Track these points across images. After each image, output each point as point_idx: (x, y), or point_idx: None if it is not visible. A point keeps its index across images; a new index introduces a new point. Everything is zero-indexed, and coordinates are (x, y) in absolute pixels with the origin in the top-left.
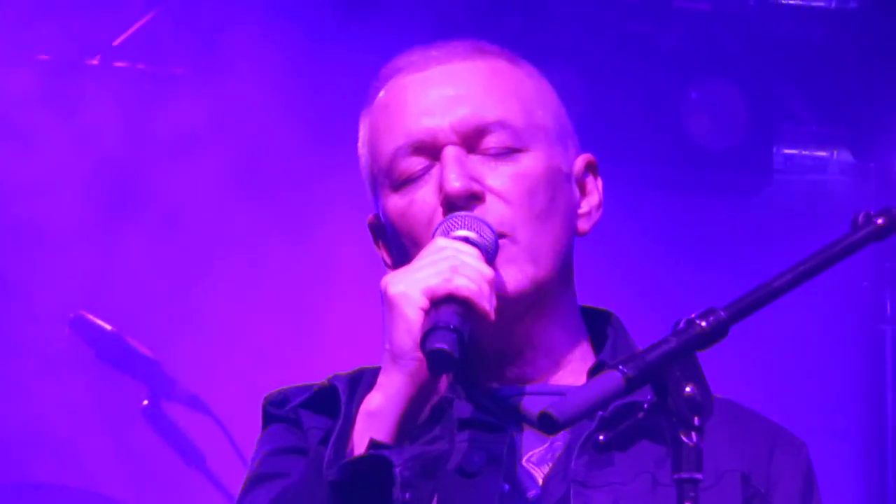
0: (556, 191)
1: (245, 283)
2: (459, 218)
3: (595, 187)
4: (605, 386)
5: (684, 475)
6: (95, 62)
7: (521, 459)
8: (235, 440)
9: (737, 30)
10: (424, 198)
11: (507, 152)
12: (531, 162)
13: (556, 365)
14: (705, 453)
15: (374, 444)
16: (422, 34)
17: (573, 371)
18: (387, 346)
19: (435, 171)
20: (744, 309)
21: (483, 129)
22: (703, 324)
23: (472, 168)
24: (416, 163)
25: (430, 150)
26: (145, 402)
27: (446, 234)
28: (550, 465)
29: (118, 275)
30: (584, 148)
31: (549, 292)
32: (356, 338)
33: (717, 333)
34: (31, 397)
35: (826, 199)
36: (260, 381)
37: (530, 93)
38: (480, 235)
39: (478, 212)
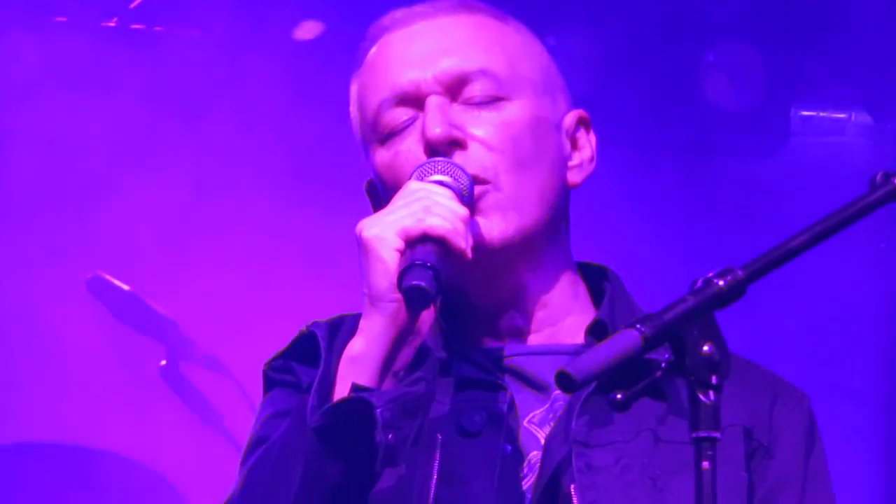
0: (542, 140)
1: (264, 243)
2: (434, 163)
3: (587, 142)
4: (623, 345)
5: (702, 433)
6: (112, 24)
7: (522, 420)
8: (252, 400)
9: None
10: (409, 148)
11: (491, 101)
12: (515, 110)
13: (552, 319)
14: None
15: (355, 388)
16: None
17: (571, 326)
18: (365, 291)
19: (420, 122)
20: (761, 268)
21: (466, 78)
22: (721, 283)
23: (454, 116)
24: (400, 114)
25: (414, 102)
26: (163, 363)
27: (421, 179)
28: (552, 425)
29: (135, 235)
30: (600, 110)
31: (538, 241)
32: None
33: (734, 293)
34: (49, 358)
35: (844, 160)
36: (277, 341)
37: (516, 45)
38: (455, 179)
39: (459, 158)
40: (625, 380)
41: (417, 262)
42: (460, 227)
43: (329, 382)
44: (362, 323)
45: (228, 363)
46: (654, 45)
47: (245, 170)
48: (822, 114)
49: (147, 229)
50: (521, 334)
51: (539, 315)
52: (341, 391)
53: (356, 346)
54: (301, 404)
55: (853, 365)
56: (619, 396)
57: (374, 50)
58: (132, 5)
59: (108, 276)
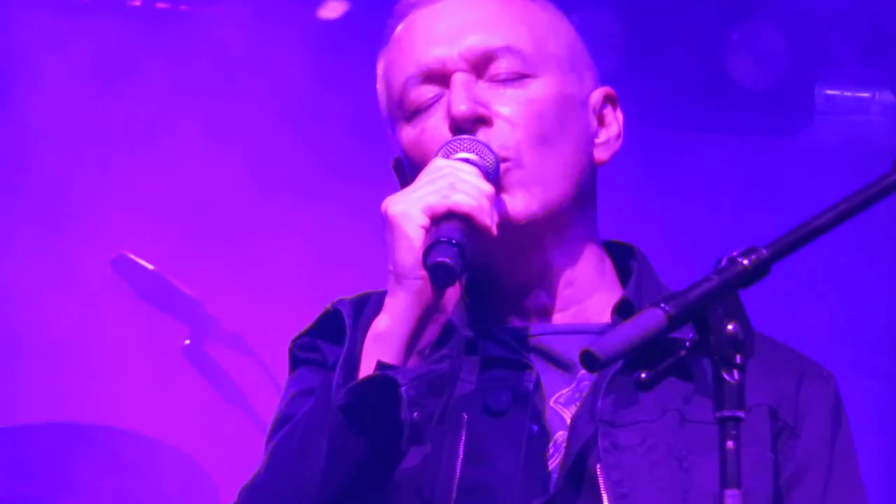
0: (567, 117)
1: (288, 222)
2: (460, 140)
3: (614, 119)
4: (647, 324)
5: (726, 413)
6: (138, 3)
7: (548, 400)
8: (277, 379)
9: None
10: (435, 125)
11: (516, 77)
12: (540, 87)
13: (578, 297)
14: None
15: (379, 365)
16: None
17: (597, 304)
18: (390, 268)
19: (445, 99)
20: (785, 247)
21: (491, 55)
22: (745, 262)
23: (479, 93)
24: (426, 91)
25: (440, 79)
26: (187, 342)
27: (447, 157)
28: (577, 405)
29: (160, 214)
30: (622, 88)
31: (563, 218)
32: None
33: (758, 271)
34: (74, 337)
35: (868, 140)
36: (301, 320)
37: (542, 22)
38: (480, 157)
39: (483, 135)
40: (650, 359)
41: (443, 239)
42: (486, 203)
43: (354, 360)
44: (387, 300)
45: (253, 342)
46: (678, 24)
47: (269, 150)
48: (846, 93)
49: (171, 209)
50: (547, 312)
51: (565, 293)
52: (366, 369)
53: (381, 323)
54: (326, 382)
55: (879, 344)
56: (643, 375)
57: (400, 27)
58: None
59: (132, 256)
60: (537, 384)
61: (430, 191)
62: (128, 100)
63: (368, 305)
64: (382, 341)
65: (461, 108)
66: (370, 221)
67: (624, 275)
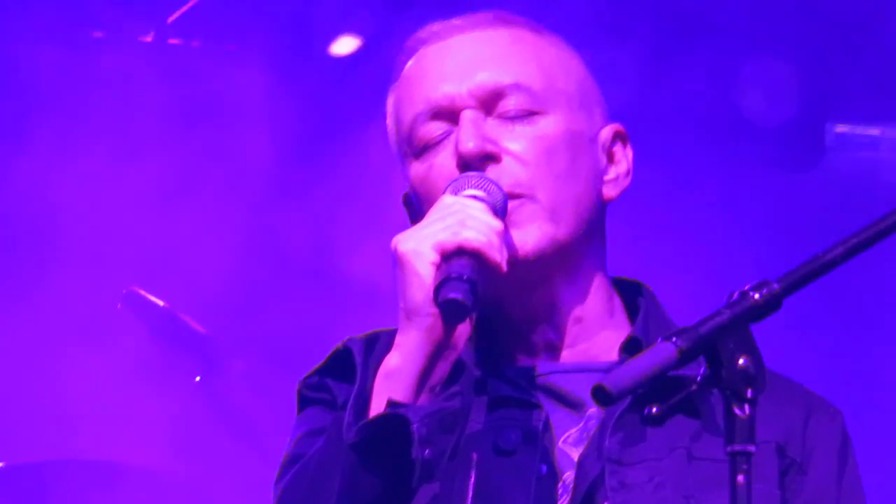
0: (578, 154)
1: (301, 260)
2: (468, 177)
3: (624, 156)
4: (659, 358)
5: (737, 447)
6: (149, 39)
7: (558, 440)
8: (288, 417)
9: (791, 6)
10: (443, 162)
11: (525, 115)
12: (550, 124)
13: (586, 334)
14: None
15: (390, 404)
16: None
17: (605, 341)
18: (401, 305)
19: (454, 135)
20: (797, 281)
21: (500, 92)
22: (757, 296)
23: (488, 130)
24: (435, 128)
25: (449, 116)
26: (198, 379)
27: (455, 193)
28: (585, 444)
29: (172, 251)
30: (635, 124)
31: (572, 254)
32: None
33: (770, 305)
34: (85, 374)
35: (878, 176)
36: (313, 357)
37: (552, 59)
38: (489, 194)
39: (493, 172)
40: (658, 397)
41: (453, 276)
42: (495, 240)
43: (365, 398)
44: (398, 338)
45: (264, 379)
46: (690, 60)
47: (283, 185)
48: (856, 129)
49: (184, 245)
50: (555, 349)
51: (574, 330)
52: (377, 407)
53: (392, 361)
54: (337, 420)
55: (889, 381)
56: (654, 410)
57: (410, 63)
58: (170, 20)
59: (143, 292)
60: (546, 424)
61: (440, 227)
62: (139, 134)
63: (378, 343)
64: (393, 379)
65: (469, 145)
66: (381, 258)
67: (633, 311)
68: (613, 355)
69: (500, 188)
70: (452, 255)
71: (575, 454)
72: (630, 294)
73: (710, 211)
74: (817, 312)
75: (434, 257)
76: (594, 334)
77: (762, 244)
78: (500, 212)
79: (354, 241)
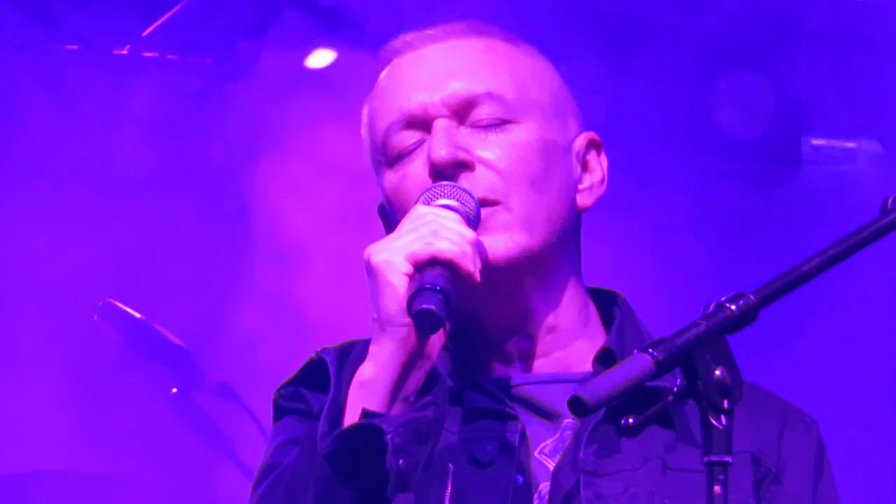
0: (551, 163)
1: (276, 272)
2: (441, 187)
3: (598, 164)
4: (635, 369)
5: (714, 458)
6: (125, 52)
7: (534, 451)
8: (264, 428)
9: (765, 20)
10: (416, 171)
11: (498, 123)
12: (523, 133)
13: (561, 343)
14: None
15: (365, 413)
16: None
17: (580, 351)
18: (374, 316)
19: (426, 145)
20: (773, 293)
21: (473, 101)
22: (733, 307)
23: (461, 139)
24: (408, 137)
25: (422, 125)
26: (174, 391)
27: (428, 203)
28: (560, 455)
29: (147, 263)
30: (612, 137)
31: (545, 263)
32: None
33: (746, 317)
34: (60, 385)
35: (854, 189)
36: (288, 369)
37: (525, 68)
38: (462, 203)
39: (465, 180)
40: (634, 408)
41: (427, 286)
42: (468, 250)
43: (339, 408)
44: (372, 348)
45: (240, 391)
46: (666, 74)
47: (257, 197)
48: (832, 142)
49: (159, 257)
50: (529, 359)
51: (547, 339)
52: (352, 417)
53: (366, 371)
54: (311, 430)
55: (868, 395)
56: (630, 421)
57: (384, 73)
58: (145, 33)
59: (119, 304)
60: (523, 435)
61: (413, 238)
62: (115, 146)
63: (353, 353)
64: (367, 389)
65: (441, 153)
66: (356, 271)
67: (608, 321)
68: (588, 365)
69: (472, 197)
70: (425, 266)
71: (551, 465)
72: (605, 304)
73: (687, 223)
74: (792, 323)
75: (407, 268)
76: (568, 344)
77: (739, 257)
78: (473, 221)
79: (330, 247)
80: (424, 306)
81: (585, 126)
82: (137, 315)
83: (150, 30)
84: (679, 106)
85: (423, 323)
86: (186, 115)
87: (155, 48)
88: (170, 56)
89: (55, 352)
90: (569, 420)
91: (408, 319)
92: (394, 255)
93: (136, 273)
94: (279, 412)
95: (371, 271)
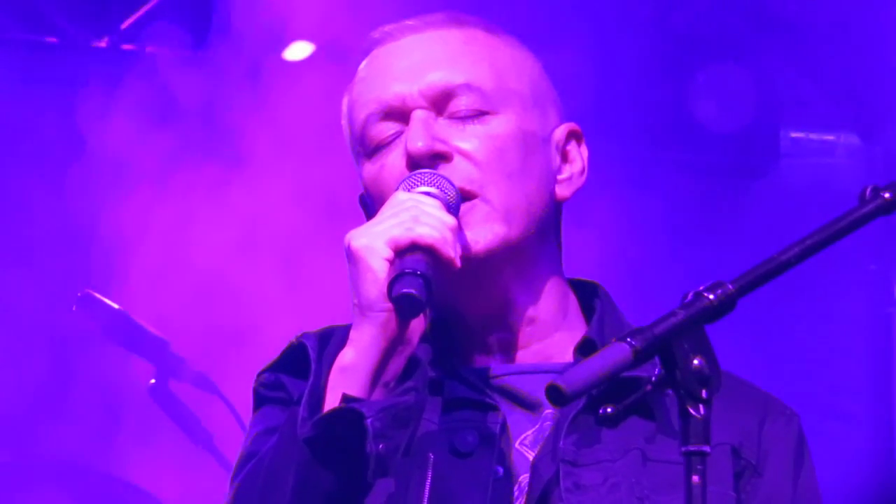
0: (530, 153)
1: (255, 261)
2: (421, 174)
3: (578, 155)
4: (613, 358)
5: (692, 447)
6: (103, 45)
7: (514, 441)
8: (243, 419)
9: (744, 13)
10: (394, 162)
11: (476, 114)
12: (501, 124)
13: (541, 334)
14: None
15: (345, 398)
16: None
17: (560, 342)
18: (355, 301)
19: (404, 135)
20: (752, 282)
21: (451, 93)
22: (711, 297)
23: (438, 130)
24: (386, 128)
25: (400, 116)
26: (152, 381)
27: (408, 190)
28: (540, 445)
29: (126, 253)
30: (590, 129)
31: (524, 253)
32: None
33: (724, 306)
34: (38, 375)
35: (833, 182)
36: (267, 359)
37: (504, 59)
38: (442, 190)
39: (444, 171)
40: (613, 398)
41: (407, 271)
42: (449, 235)
43: (319, 393)
44: (352, 333)
45: (218, 381)
46: (644, 66)
47: (237, 188)
48: (811, 135)
49: (138, 247)
50: (510, 350)
51: (528, 330)
52: (332, 402)
53: (346, 356)
54: (291, 416)
55: (843, 388)
56: (609, 410)
57: (363, 63)
58: (123, 26)
59: (97, 294)
60: (503, 426)
61: (394, 223)
62: (95, 139)
63: (333, 339)
64: (347, 374)
65: (419, 144)
66: (336, 260)
67: (588, 312)
68: (568, 356)
69: (452, 184)
70: (406, 251)
71: (531, 455)
72: (585, 295)
73: (665, 216)
74: (771, 313)
75: (387, 253)
76: (548, 335)
77: (718, 250)
78: (454, 208)
79: (310, 238)
80: (405, 290)
81: (567, 117)
82: (116, 306)
83: (128, 22)
84: (657, 98)
85: (403, 307)
86: (165, 108)
87: (134, 41)
88: (149, 48)
89: (33, 342)
90: (549, 411)
91: (388, 304)
92: (374, 239)
93: (115, 263)
94: (258, 400)
95: (351, 256)
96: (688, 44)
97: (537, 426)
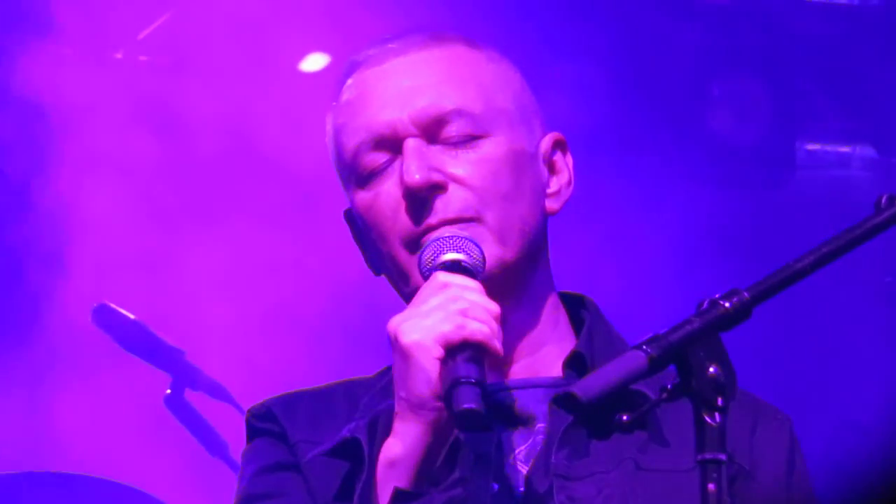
0: (521, 172)
1: (270, 273)
2: (445, 240)
3: (564, 164)
4: (629, 366)
5: (708, 455)
6: (120, 56)
7: (508, 457)
8: None
9: (759, 25)
10: (388, 190)
11: (468, 139)
12: (492, 147)
13: (530, 348)
14: (688, 433)
15: (399, 494)
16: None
17: (548, 355)
18: (402, 395)
19: (397, 163)
20: (767, 290)
21: (442, 119)
22: (727, 304)
23: (432, 158)
24: (378, 157)
25: (391, 144)
26: (168, 391)
27: (435, 260)
28: (533, 460)
29: (142, 264)
30: (606, 141)
31: (519, 273)
32: (379, 335)
33: (740, 314)
34: (54, 387)
35: (848, 194)
36: (283, 369)
37: (489, 77)
38: (469, 255)
39: (440, 200)
40: (611, 411)
41: (463, 380)
42: (496, 327)
43: (370, 485)
44: (399, 426)
45: (234, 392)
46: (660, 79)
47: (252, 201)
48: (826, 147)
49: (154, 258)
50: (500, 365)
51: (519, 346)
52: (382, 495)
53: (394, 449)
54: None
55: (861, 398)
56: (624, 418)
57: (349, 84)
58: (140, 37)
59: (113, 305)
60: (499, 443)
61: (442, 318)
62: (109, 151)
63: (379, 426)
64: (395, 468)
65: (416, 176)
66: (349, 274)
67: (578, 325)
68: (557, 370)
69: (477, 245)
70: (457, 350)
71: (525, 470)
72: (574, 308)
73: (681, 228)
74: (785, 323)
75: (439, 352)
76: (538, 349)
77: (733, 262)
78: (481, 270)
79: (324, 252)
80: (466, 406)
81: (545, 123)
82: (131, 316)
83: (145, 34)
84: (673, 110)
85: (466, 421)
86: (180, 119)
87: (149, 52)
88: (164, 60)
89: (49, 353)
90: (541, 425)
91: (439, 403)
92: (425, 336)
93: (131, 274)
94: (251, 433)
95: (401, 352)
96: (704, 56)
97: (530, 441)
